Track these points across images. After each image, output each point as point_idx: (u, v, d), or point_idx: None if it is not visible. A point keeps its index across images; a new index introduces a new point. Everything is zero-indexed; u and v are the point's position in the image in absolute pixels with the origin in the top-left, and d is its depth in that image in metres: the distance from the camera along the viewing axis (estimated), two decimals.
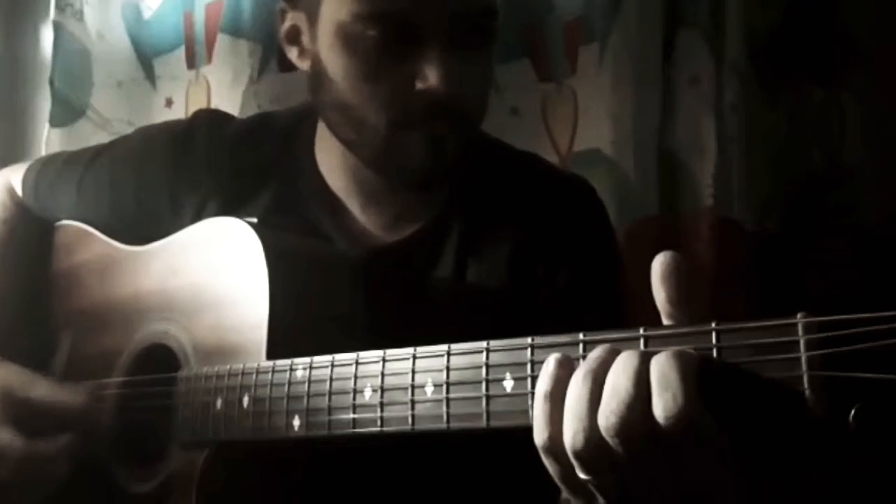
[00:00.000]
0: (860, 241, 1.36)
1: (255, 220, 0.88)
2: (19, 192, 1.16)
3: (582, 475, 0.56)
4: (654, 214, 1.37)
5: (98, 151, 1.14)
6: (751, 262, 1.35)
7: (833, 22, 1.40)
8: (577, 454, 0.56)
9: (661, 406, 0.52)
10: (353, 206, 1.00)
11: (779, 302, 1.34)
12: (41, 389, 0.91)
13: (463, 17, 0.87)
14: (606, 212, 1.04)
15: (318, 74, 0.93)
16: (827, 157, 1.40)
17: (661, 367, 0.53)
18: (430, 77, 0.85)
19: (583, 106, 1.43)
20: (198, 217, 0.99)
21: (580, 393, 0.56)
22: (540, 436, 0.58)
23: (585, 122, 1.42)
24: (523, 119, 1.46)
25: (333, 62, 0.89)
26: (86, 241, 1.09)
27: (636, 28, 1.39)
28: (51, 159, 1.19)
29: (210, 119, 1.10)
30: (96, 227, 1.08)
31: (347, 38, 0.87)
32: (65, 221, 1.13)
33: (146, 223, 1.04)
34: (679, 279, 0.57)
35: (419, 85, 0.86)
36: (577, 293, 0.95)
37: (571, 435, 0.55)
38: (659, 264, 0.57)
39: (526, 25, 1.46)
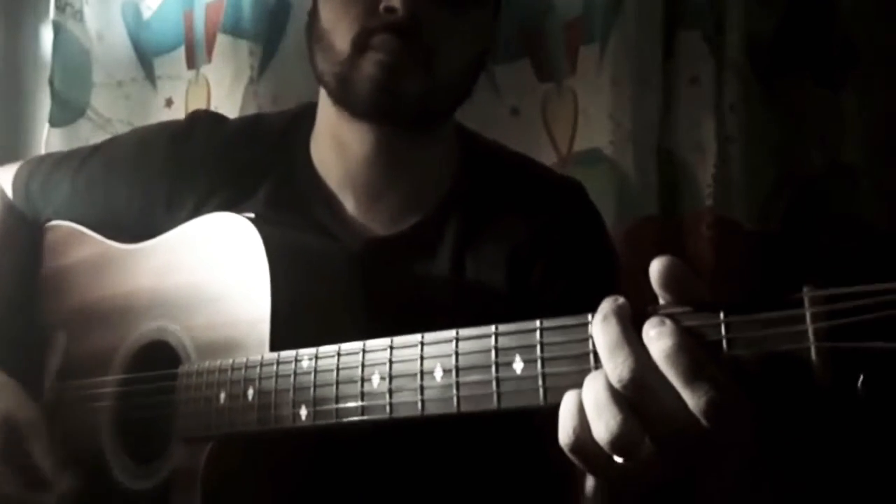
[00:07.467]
0: (860, 240, 1.36)
1: (253, 214, 0.88)
2: (9, 192, 1.16)
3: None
4: (654, 214, 1.37)
5: (91, 151, 1.14)
6: (751, 262, 1.35)
7: (833, 22, 1.40)
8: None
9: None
10: (348, 201, 1.01)
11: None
12: (40, 447, 0.93)
13: None
14: (597, 211, 1.06)
15: (312, 11, 0.98)
16: (827, 157, 1.39)
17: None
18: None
19: (583, 106, 1.43)
20: (196, 215, 0.99)
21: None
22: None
23: (585, 122, 1.42)
24: (523, 119, 1.46)
25: None
26: (78, 241, 1.08)
27: (636, 28, 1.39)
28: (41, 160, 1.19)
29: (206, 119, 1.11)
30: (90, 227, 1.08)
31: None
32: (55, 221, 1.12)
33: (141, 222, 1.04)
34: (679, 286, 0.56)
35: (382, 4, 0.89)
36: (573, 289, 0.96)
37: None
38: (657, 272, 0.57)
39: (526, 25, 1.46)
